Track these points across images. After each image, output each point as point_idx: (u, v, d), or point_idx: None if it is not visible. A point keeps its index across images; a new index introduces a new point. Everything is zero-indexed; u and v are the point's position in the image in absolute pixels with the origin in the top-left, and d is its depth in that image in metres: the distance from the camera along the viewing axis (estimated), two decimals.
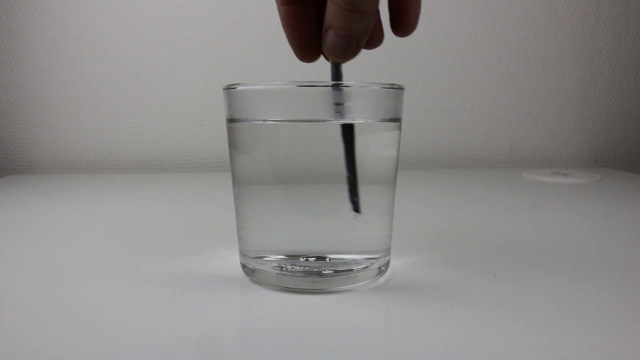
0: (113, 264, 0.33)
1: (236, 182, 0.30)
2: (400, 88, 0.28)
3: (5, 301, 0.27)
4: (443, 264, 0.33)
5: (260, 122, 0.27)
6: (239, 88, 0.27)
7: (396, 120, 0.29)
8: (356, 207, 0.28)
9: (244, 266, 0.30)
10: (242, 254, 0.30)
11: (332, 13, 0.25)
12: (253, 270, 0.29)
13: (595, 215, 0.48)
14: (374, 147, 0.28)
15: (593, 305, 0.26)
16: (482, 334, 0.23)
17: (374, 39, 0.29)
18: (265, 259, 0.29)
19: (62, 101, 0.75)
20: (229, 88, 0.28)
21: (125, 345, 0.22)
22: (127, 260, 0.34)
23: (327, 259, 0.28)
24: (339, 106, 0.27)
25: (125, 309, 0.26)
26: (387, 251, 0.30)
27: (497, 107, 0.80)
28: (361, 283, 0.29)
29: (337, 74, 0.28)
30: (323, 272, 0.28)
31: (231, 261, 0.32)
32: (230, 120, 0.29)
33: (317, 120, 0.26)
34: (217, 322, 0.25)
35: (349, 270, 0.28)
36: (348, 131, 0.27)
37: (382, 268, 0.30)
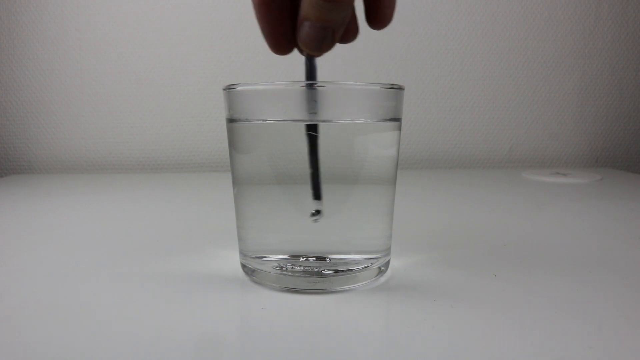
0: (113, 263, 0.33)
1: (236, 182, 0.30)
2: (400, 88, 0.28)
3: (5, 301, 0.27)
4: (443, 264, 0.33)
5: (260, 122, 0.27)
6: (239, 88, 0.27)
7: (396, 120, 0.29)
8: (317, 195, 0.27)
9: (244, 266, 0.30)
10: (242, 254, 0.30)
11: (307, 4, 0.24)
12: (253, 270, 0.29)
13: (595, 215, 0.48)
14: (373, 147, 0.28)
15: (593, 305, 0.26)
16: (482, 334, 0.23)
17: (349, 33, 0.28)
18: (265, 259, 0.29)
19: (62, 101, 0.75)
20: (229, 88, 0.28)
21: (125, 345, 0.22)
22: (127, 260, 0.34)
23: (327, 259, 0.28)
24: (313, 105, 0.26)
25: (125, 309, 0.26)
26: (387, 251, 0.30)
27: (497, 107, 0.80)
28: (361, 283, 0.29)
29: (311, 69, 0.27)
30: (323, 272, 0.28)
31: (231, 261, 0.32)
32: (230, 120, 0.29)
33: (316, 120, 0.26)
34: (217, 322, 0.25)
35: (349, 270, 0.28)
36: (313, 126, 0.26)
37: (382, 268, 0.30)
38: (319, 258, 0.28)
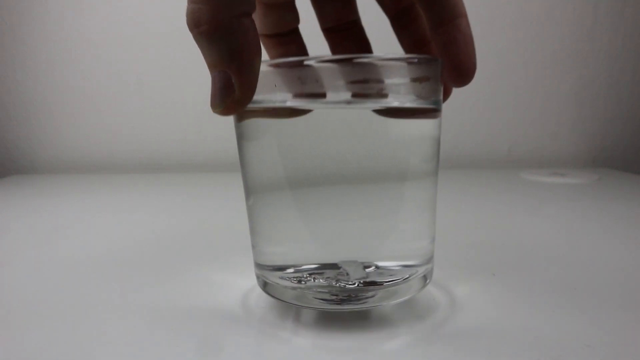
0: (114, 264, 0.34)
1: (250, 191, 0.25)
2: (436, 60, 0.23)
3: (5, 301, 0.27)
4: (442, 263, 0.33)
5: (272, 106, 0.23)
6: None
7: (437, 102, 0.24)
8: None
9: (258, 278, 0.26)
10: (258, 265, 0.26)
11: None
12: (267, 284, 0.25)
13: (593, 215, 0.49)
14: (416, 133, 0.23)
15: (591, 304, 0.27)
16: (481, 333, 0.23)
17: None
18: (284, 271, 0.24)
19: (64, 102, 0.75)
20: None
21: (125, 346, 0.22)
22: (128, 260, 0.34)
23: (374, 267, 0.24)
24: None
25: (124, 309, 0.26)
26: (429, 259, 0.25)
27: (496, 107, 0.80)
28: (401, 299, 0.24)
29: None
30: (357, 286, 0.23)
31: (232, 261, 0.33)
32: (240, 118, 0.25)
33: (339, 102, 0.21)
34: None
35: (389, 282, 0.23)
36: None
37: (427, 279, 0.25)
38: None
